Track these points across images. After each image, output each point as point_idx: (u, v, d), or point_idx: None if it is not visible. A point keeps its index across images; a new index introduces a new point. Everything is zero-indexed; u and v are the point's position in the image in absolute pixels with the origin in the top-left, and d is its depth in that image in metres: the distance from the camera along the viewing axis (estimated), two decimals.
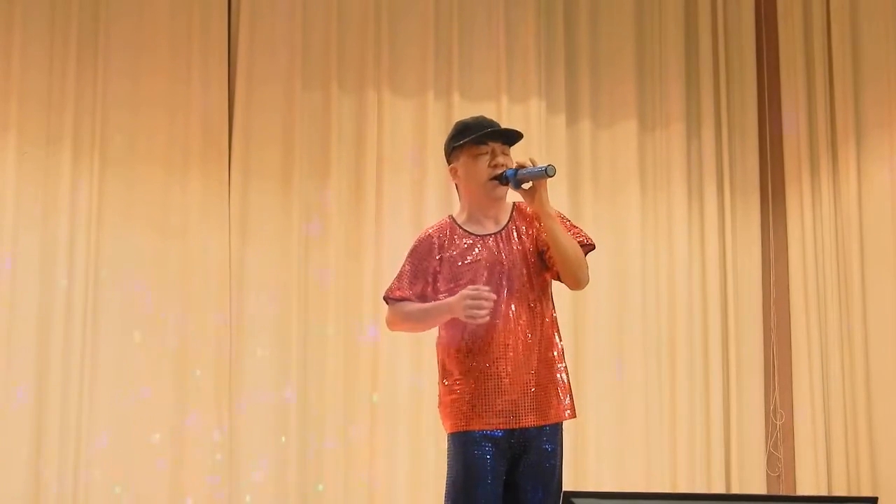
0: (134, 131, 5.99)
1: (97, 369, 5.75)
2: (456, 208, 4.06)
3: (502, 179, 3.86)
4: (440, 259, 3.89)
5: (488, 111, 6.23)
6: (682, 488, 6.16)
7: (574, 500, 3.23)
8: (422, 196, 6.19)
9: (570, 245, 3.84)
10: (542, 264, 3.91)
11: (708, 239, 6.52)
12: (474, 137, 3.91)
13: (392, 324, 3.98)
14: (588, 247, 3.93)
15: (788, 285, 6.44)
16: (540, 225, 3.90)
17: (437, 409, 3.93)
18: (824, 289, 6.26)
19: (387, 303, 3.95)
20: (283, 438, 5.89)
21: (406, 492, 5.94)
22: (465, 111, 6.25)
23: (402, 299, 3.90)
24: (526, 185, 3.83)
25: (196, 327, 5.88)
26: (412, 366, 6.02)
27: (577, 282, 3.89)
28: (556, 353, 3.87)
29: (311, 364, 5.99)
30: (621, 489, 5.96)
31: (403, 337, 5.99)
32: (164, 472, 5.75)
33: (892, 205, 6.02)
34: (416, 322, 3.92)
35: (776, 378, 6.45)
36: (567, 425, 3.93)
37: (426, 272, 3.90)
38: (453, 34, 6.38)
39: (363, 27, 6.30)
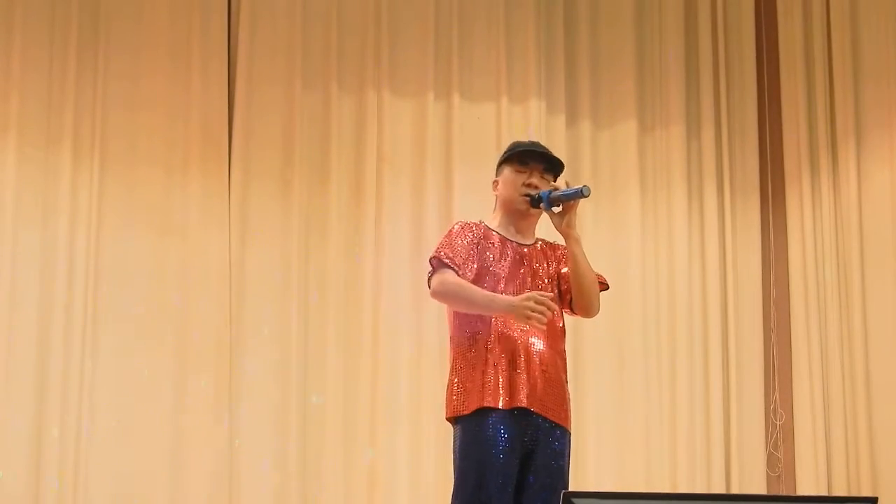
0: (134, 132, 5.99)
1: (97, 369, 5.75)
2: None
3: (535, 202, 3.97)
4: (475, 247, 3.96)
5: (488, 112, 6.27)
6: (682, 488, 6.16)
7: (574, 500, 3.23)
8: (421, 197, 6.19)
9: (590, 273, 3.98)
10: (559, 292, 4.03)
11: (708, 239, 6.51)
12: (518, 153, 4.04)
13: (440, 293, 3.92)
14: (602, 285, 4.06)
15: (788, 285, 6.44)
16: (563, 258, 4.03)
17: (446, 399, 3.91)
18: (824, 289, 6.25)
19: (432, 265, 3.94)
20: (285, 436, 5.89)
21: (407, 488, 5.94)
22: (465, 112, 6.28)
23: (452, 266, 3.90)
24: (556, 209, 3.95)
25: (196, 328, 5.89)
26: (413, 365, 6.02)
27: (588, 309, 4.03)
28: (566, 366, 3.98)
29: (312, 363, 5.99)
30: (621, 489, 5.95)
31: (403, 336, 6.00)
32: (164, 472, 5.74)
33: (892, 205, 6.01)
34: (465, 301, 3.88)
35: (776, 378, 6.45)
36: None
37: (469, 253, 3.95)
38: (453, 34, 6.38)
39: (363, 27, 6.30)
